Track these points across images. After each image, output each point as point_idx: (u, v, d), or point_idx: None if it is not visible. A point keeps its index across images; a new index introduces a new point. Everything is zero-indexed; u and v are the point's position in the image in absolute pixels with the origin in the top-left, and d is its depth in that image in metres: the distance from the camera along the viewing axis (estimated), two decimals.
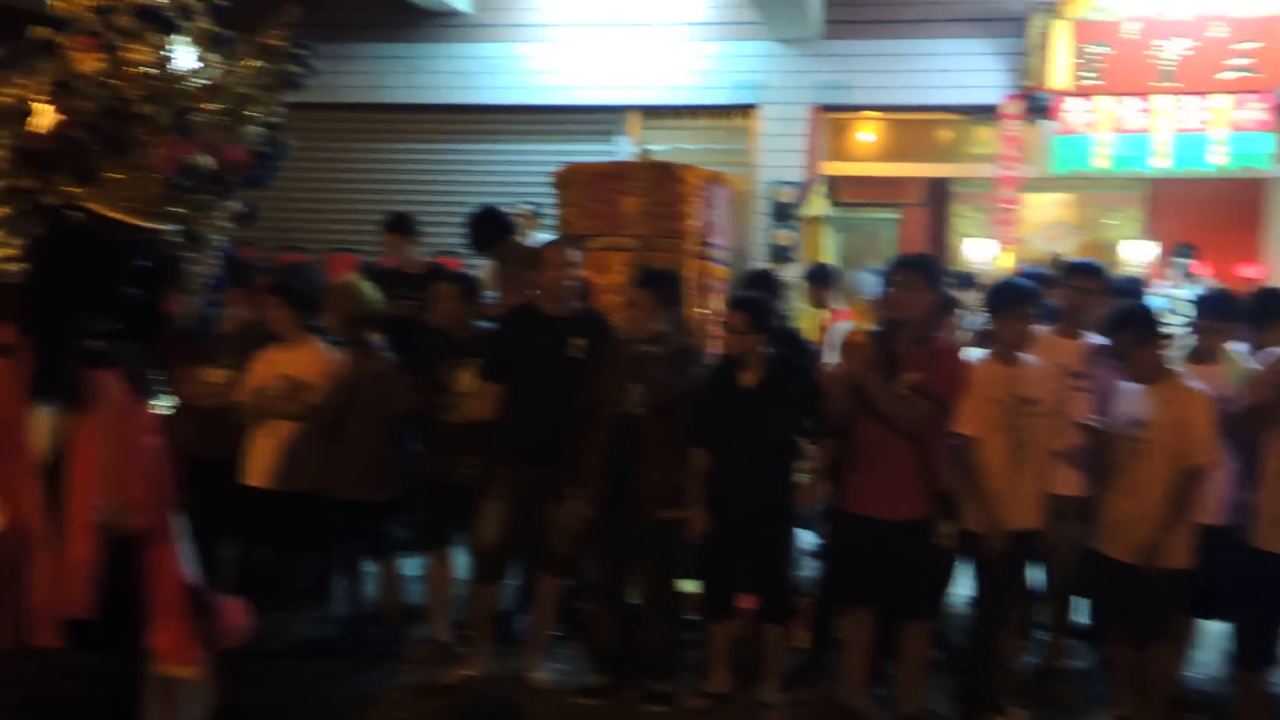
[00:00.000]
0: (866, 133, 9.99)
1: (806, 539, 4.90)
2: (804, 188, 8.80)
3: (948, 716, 4.37)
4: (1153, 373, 4.14)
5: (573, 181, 5.71)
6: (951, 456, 4.24)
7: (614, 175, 5.68)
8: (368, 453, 4.90)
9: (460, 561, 4.97)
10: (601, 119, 9.26)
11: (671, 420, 4.41)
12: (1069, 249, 9.89)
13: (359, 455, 4.88)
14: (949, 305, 5.06)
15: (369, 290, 5.20)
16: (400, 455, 4.99)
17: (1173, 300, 6.80)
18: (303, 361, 5.00)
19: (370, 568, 5.12)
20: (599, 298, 5.17)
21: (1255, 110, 8.13)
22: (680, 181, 5.47)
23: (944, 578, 4.39)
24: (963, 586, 4.47)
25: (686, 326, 4.99)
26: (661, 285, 4.62)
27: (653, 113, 9.29)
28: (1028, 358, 4.37)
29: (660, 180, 5.52)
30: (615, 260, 5.38)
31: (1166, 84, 8.19)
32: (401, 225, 6.14)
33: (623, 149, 9.11)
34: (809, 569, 4.83)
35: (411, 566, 5.22)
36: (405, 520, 5.13)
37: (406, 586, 5.17)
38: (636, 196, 5.50)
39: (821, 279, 6.44)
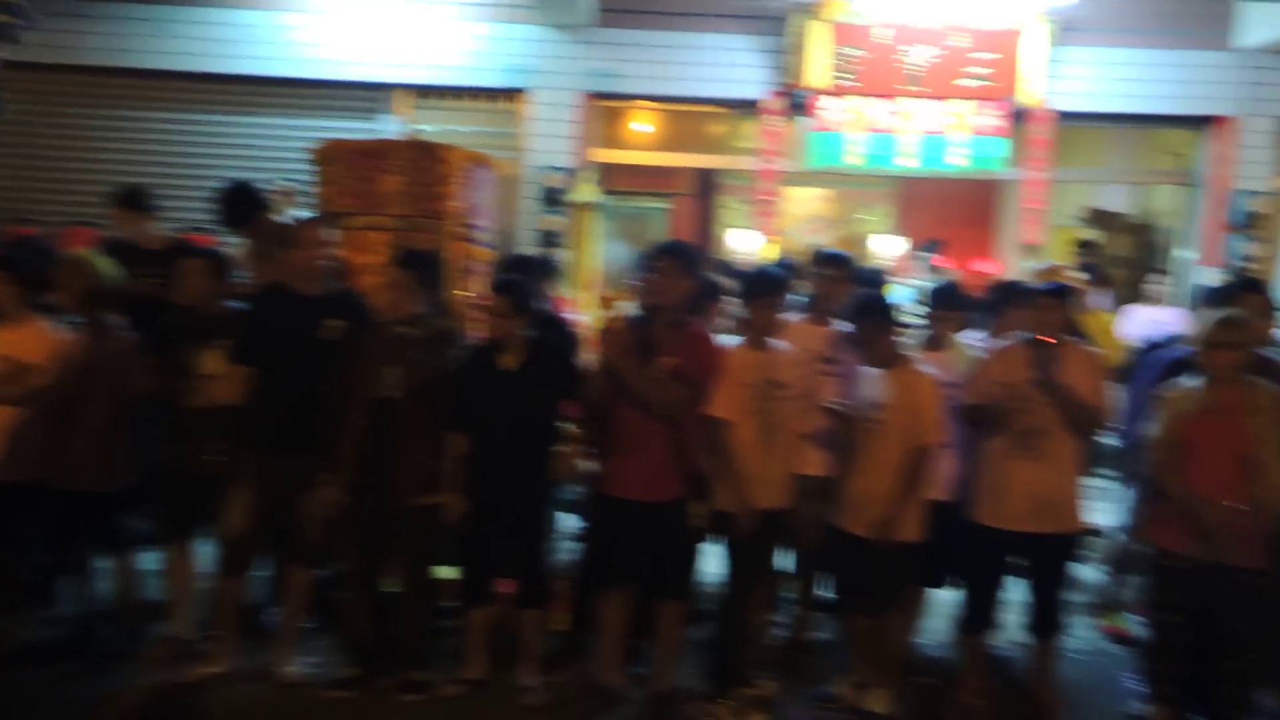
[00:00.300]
0: (638, 122, 10.13)
1: (568, 523, 4.93)
2: (573, 174, 8.84)
3: (700, 691, 4.49)
4: (888, 358, 4.38)
5: (332, 158, 5.52)
6: (705, 439, 4.35)
7: (375, 153, 5.52)
8: (103, 440, 4.61)
9: (204, 554, 4.72)
10: (366, 95, 8.99)
11: (429, 404, 4.33)
12: (827, 241, 10.35)
13: (93, 443, 4.58)
14: (714, 293, 5.19)
15: (105, 266, 4.88)
16: (139, 442, 4.70)
17: (919, 291, 7.22)
18: (27, 341, 4.66)
19: (105, 563, 4.80)
20: (358, 278, 5.02)
21: (992, 116, 8.73)
22: (442, 162, 5.38)
23: (694, 557, 4.50)
24: (714, 565, 4.60)
25: (446, 309, 4.92)
26: (421, 266, 4.54)
27: (421, 92, 9.09)
28: (778, 343, 4.53)
29: (422, 160, 5.41)
30: (375, 240, 5.24)
31: (913, 88, 8.68)
32: (133, 200, 5.75)
33: (387, 127, 8.88)
34: (569, 552, 4.86)
35: (151, 560, 4.92)
36: (144, 511, 4.83)
37: (145, 582, 4.88)
38: (397, 175, 5.38)
39: (541, 270, 6.46)
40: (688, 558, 4.44)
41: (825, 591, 4.88)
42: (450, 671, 4.47)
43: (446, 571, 4.58)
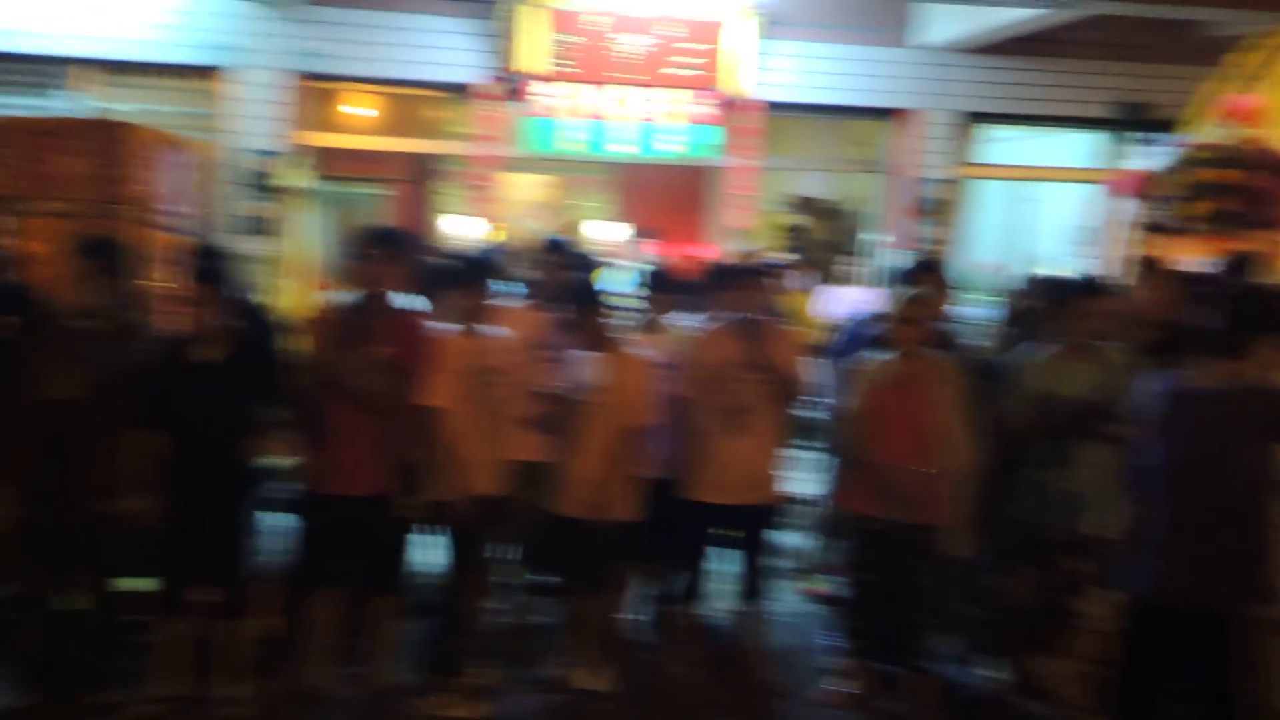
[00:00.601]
0: (352, 105, 9.80)
1: (274, 522, 4.69)
2: (282, 158, 8.43)
3: (420, 686, 4.40)
4: (601, 342, 4.44)
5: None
6: (418, 428, 4.26)
7: (50, 133, 5.09)
8: None
9: None
10: (40, 70, 8.17)
11: (114, 403, 4.01)
12: (551, 228, 10.39)
13: None
14: (440, 280, 5.07)
15: None
16: None
17: (636, 276, 7.38)
18: None
19: None
20: (31, 269, 4.59)
21: (705, 105, 9.02)
22: (126, 142, 5.02)
23: (406, 549, 4.40)
24: (429, 556, 4.52)
25: (132, 300, 4.56)
26: (104, 255, 4.20)
27: (111, 68, 8.38)
28: (493, 329, 4.49)
29: (104, 141, 5.04)
30: (51, 227, 4.82)
31: (627, 75, 8.83)
32: None
33: (65, 104, 8.13)
34: (277, 553, 4.63)
35: None
36: None
37: None
38: (76, 157, 4.97)
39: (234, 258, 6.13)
40: (400, 551, 4.34)
41: (545, 575, 4.90)
42: (149, 689, 4.17)
43: (137, 582, 4.25)
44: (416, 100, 9.59)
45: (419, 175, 11.09)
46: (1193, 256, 5.13)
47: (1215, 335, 3.36)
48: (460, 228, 9.23)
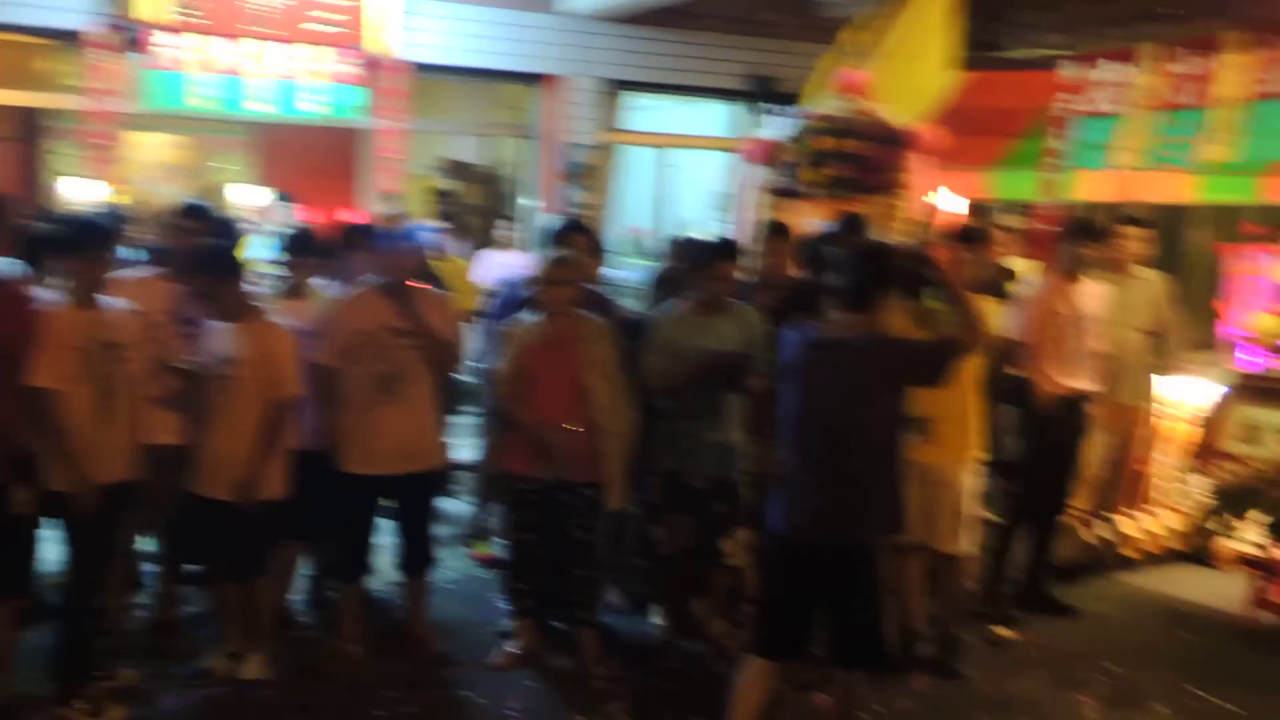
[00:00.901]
0: None
1: None
2: None
3: (48, 695, 3.97)
4: (237, 311, 4.18)
5: None
6: (27, 412, 3.82)
7: None
8: None
9: None
10: None
11: None
12: (184, 191, 9.70)
13: None
14: (48, 247, 4.53)
15: None
16: None
17: (278, 240, 7.02)
18: None
19: None
20: None
21: (349, 64, 8.70)
22: None
23: (26, 548, 3.96)
24: (56, 552, 4.09)
25: None
26: None
27: None
28: (113, 301, 4.10)
29: None
30: None
31: (265, 29, 8.35)
32: None
33: None
34: None
35: None
36: None
37: None
38: None
39: None
40: (19, 550, 3.90)
41: (190, 562, 4.58)
42: None
43: None
44: (20, 47, 8.64)
45: (26, 132, 9.98)
46: (813, 219, 5.54)
47: (842, 290, 3.61)
48: (78, 190, 8.40)
